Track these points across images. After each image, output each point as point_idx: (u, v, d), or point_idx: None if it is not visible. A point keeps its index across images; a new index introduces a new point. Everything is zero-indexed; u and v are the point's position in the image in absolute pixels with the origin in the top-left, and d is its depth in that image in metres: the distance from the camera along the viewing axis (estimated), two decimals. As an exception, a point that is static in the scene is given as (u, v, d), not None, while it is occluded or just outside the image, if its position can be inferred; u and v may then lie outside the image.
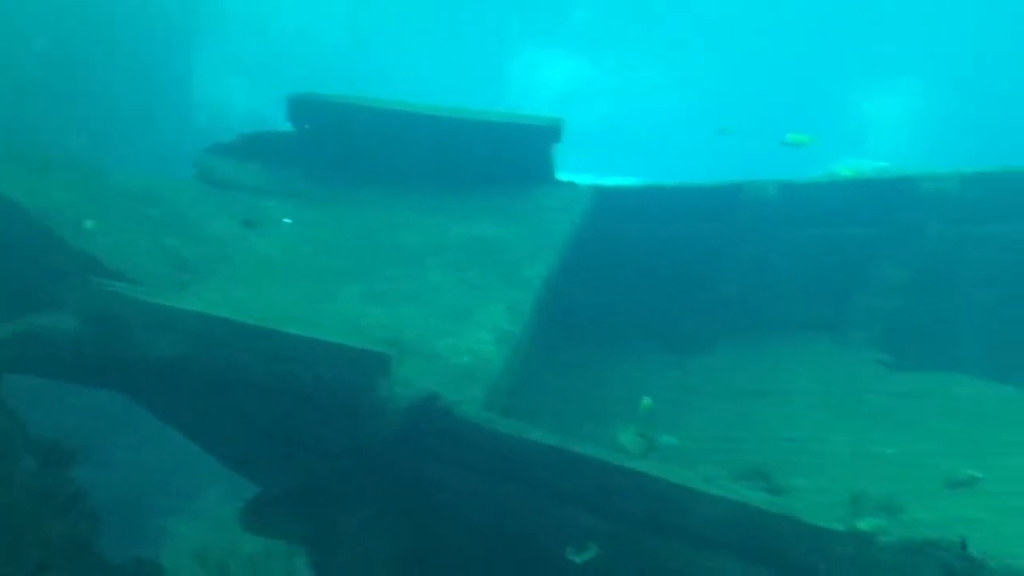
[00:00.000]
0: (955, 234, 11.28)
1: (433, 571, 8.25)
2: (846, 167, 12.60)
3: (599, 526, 7.98)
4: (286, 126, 12.29)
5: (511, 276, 10.20)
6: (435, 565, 8.34)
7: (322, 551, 9.29)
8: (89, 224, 9.09)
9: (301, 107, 12.16)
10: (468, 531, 8.35)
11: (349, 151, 12.13)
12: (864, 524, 6.95)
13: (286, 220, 10.88)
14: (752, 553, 7.31)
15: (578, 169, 12.84)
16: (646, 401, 9.12)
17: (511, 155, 11.99)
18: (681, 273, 11.42)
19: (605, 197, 11.69)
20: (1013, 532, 7.63)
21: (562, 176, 12.16)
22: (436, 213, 11.41)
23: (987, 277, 11.60)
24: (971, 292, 11.36)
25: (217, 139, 12.26)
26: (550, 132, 11.95)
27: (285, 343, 8.43)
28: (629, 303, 11.26)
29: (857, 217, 11.32)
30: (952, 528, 7.13)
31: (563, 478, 8.02)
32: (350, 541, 8.62)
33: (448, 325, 9.44)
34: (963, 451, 8.77)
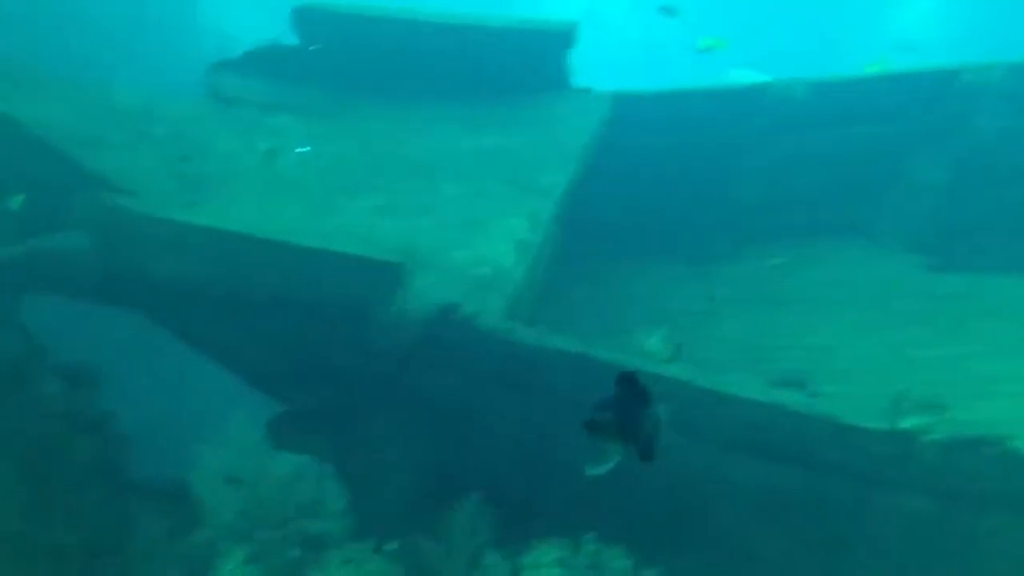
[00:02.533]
0: (997, 128, 10.69)
1: (456, 482, 8.13)
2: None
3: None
4: (293, 40, 11.89)
5: (528, 186, 9.90)
6: (458, 476, 8.22)
7: (349, 466, 9.22)
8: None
9: (306, 19, 11.74)
10: (490, 442, 8.21)
11: (356, 63, 11.76)
12: (907, 423, 6.72)
13: (304, 148, 10.57)
14: (786, 457, 7.12)
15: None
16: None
17: (523, 62, 11.58)
18: (704, 180, 11.03)
19: (624, 103, 11.27)
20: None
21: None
22: (447, 124, 11.06)
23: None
24: (1012, 188, 10.80)
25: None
26: (563, 37, 11.50)
27: (298, 256, 8.28)
28: (651, 212, 10.91)
29: (891, 114, 10.81)
30: (995, 428, 6.90)
31: (587, 386, 7.82)
32: (375, 454, 8.51)
33: (463, 236, 9.20)
34: (1004, 351, 8.45)
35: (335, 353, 8.53)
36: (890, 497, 6.99)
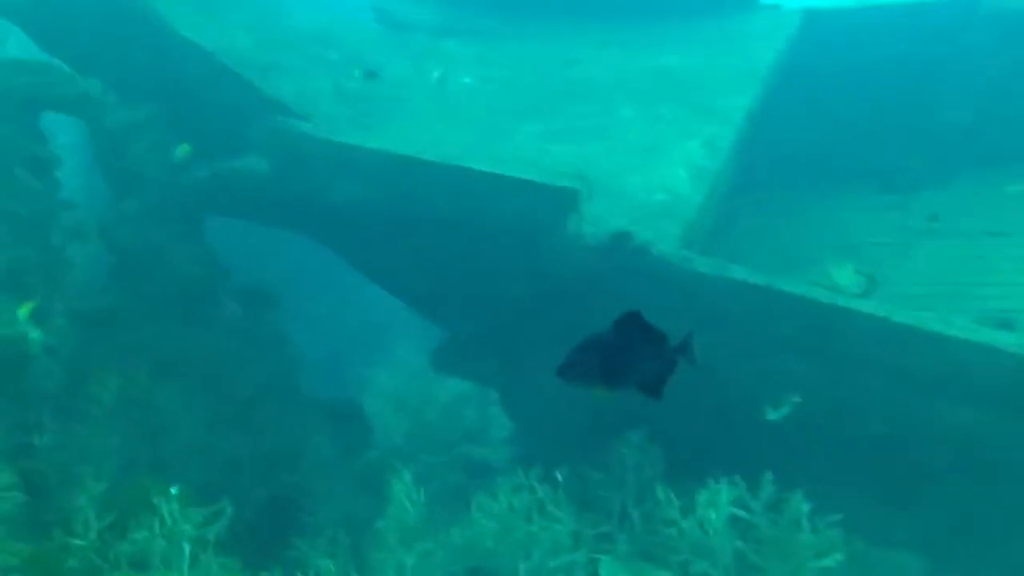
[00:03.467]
0: None
1: (624, 413, 7.88)
2: None
3: (809, 372, 7.33)
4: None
5: (708, 109, 9.34)
6: (626, 408, 7.96)
7: (513, 394, 9.16)
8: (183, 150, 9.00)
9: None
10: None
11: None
12: None
13: (466, 80, 10.40)
14: (1002, 402, 6.45)
15: None
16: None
17: (707, -23, 10.88)
18: (904, 103, 10.07)
19: (816, 20, 10.43)
20: None
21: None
22: (623, 45, 10.58)
23: None
24: None
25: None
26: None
27: (470, 179, 8.13)
28: (842, 137, 10.07)
29: None
30: None
31: (770, 320, 7.36)
32: (540, 383, 8.36)
33: (639, 161, 8.79)
34: None
35: (503, 279, 8.40)
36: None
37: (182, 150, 8.91)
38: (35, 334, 7.53)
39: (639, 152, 8.88)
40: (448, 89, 10.04)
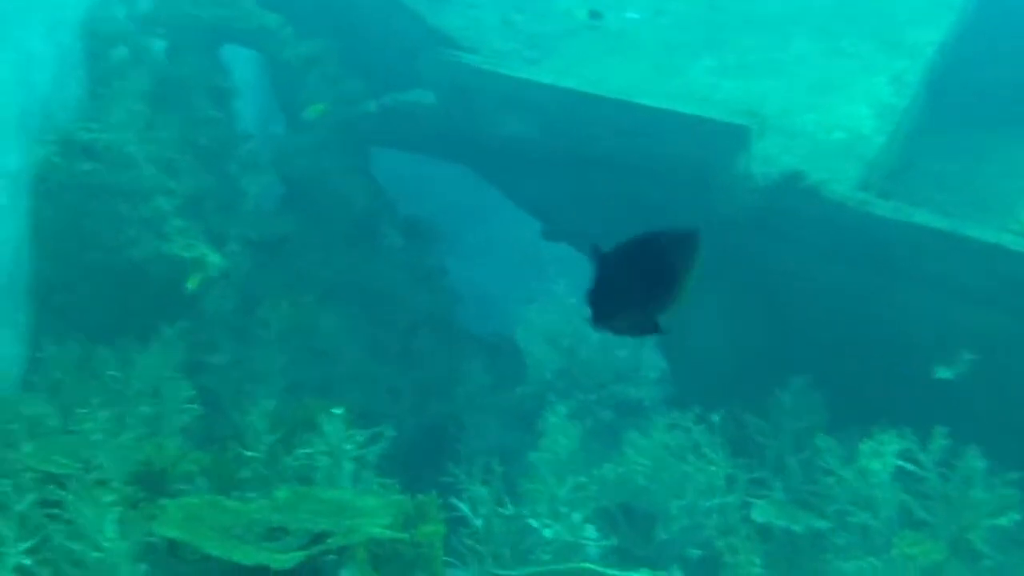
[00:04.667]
0: None
1: (789, 359, 7.60)
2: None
3: (994, 326, 6.82)
4: None
5: (895, 42, 8.73)
6: (791, 353, 7.67)
7: (670, 336, 8.99)
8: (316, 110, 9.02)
9: None
10: (831, 321, 7.54)
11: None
12: None
13: (633, 15, 10.08)
14: None
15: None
16: None
17: None
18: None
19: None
20: None
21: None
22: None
23: None
24: None
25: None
26: None
27: (637, 114, 7.90)
28: (1043, 73, 9.21)
29: None
30: None
31: (954, 267, 6.88)
32: (699, 324, 8.16)
33: (816, 99, 8.31)
34: None
35: (667, 219, 8.18)
36: None
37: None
38: (214, 258, 7.98)
39: (817, 89, 8.42)
40: (606, 25, 9.77)
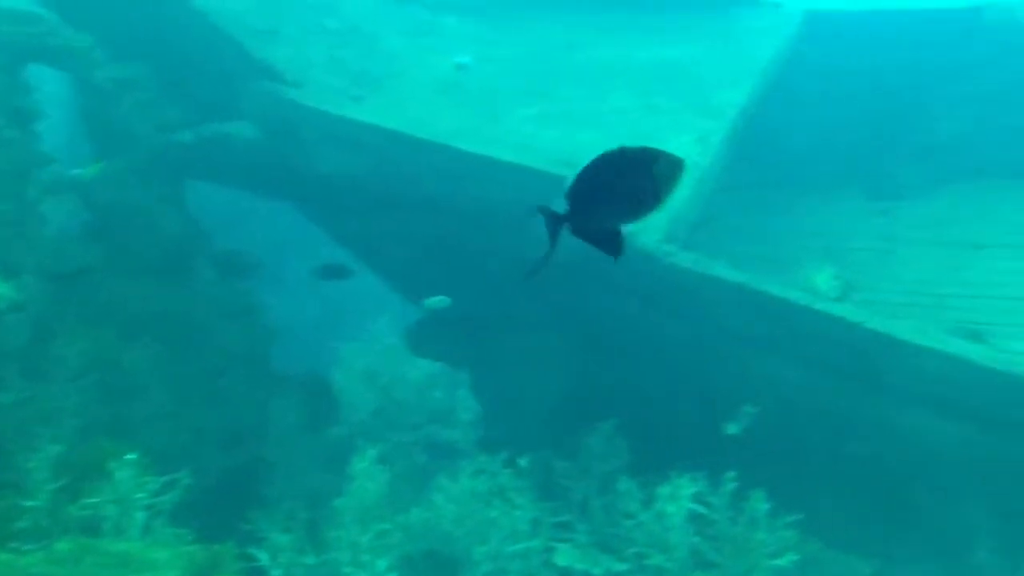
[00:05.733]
0: None
1: (594, 406, 7.84)
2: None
3: (782, 371, 7.29)
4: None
5: (702, 103, 9.23)
6: (596, 400, 7.92)
7: (485, 378, 9.09)
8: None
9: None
10: (637, 366, 7.84)
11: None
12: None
13: (464, 59, 10.26)
14: (964, 413, 6.42)
15: None
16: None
17: (712, -28, 10.75)
18: (899, 109, 9.98)
19: (817, 21, 10.32)
20: None
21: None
22: (622, 32, 10.46)
23: None
24: None
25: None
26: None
27: (458, 159, 8.04)
28: (834, 140, 9.97)
29: None
30: None
31: (747, 318, 7.31)
32: (513, 368, 8.31)
33: (628, 152, 8.69)
34: None
35: (485, 262, 8.32)
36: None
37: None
38: (3, 289, 7.43)
39: (631, 142, 8.75)
40: (432, 68, 9.88)
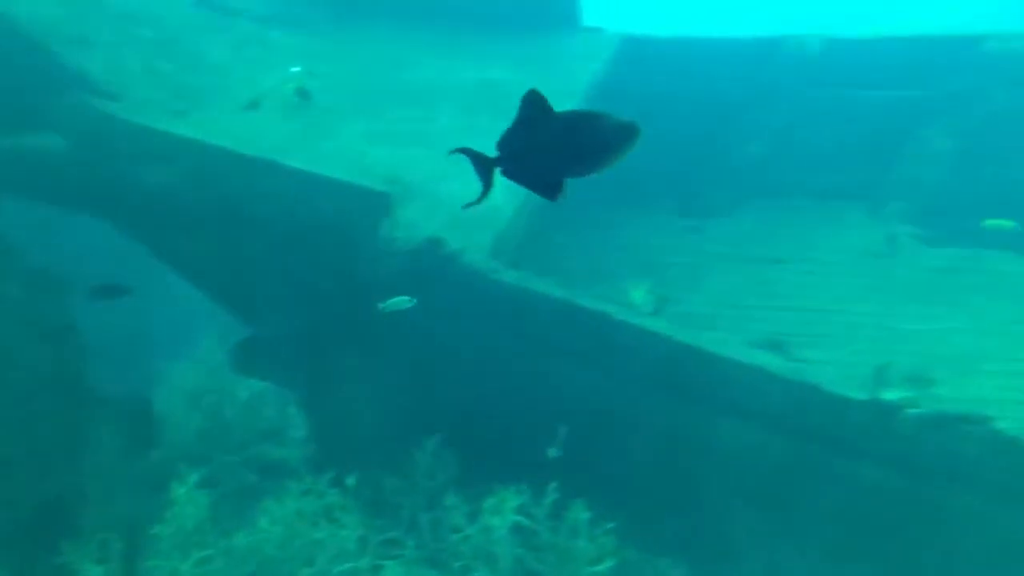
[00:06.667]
0: (1016, 102, 10.21)
1: (422, 422, 7.95)
2: None
3: (601, 384, 7.63)
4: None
5: (526, 123, 9.53)
6: (424, 416, 8.04)
7: (314, 396, 9.03)
8: None
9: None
10: (465, 382, 8.01)
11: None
12: (890, 395, 6.53)
13: (295, 68, 10.17)
14: (765, 421, 6.94)
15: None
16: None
17: (535, -3, 11.14)
18: (708, 132, 10.64)
19: (632, 46, 10.86)
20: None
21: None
22: (448, 54, 10.66)
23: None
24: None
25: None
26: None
27: (285, 176, 7.98)
28: (649, 161, 10.46)
29: (907, 79, 10.34)
30: (978, 407, 6.71)
31: (567, 333, 7.62)
32: (342, 386, 8.31)
33: (455, 170, 8.85)
34: (995, 329, 8.22)
35: (312, 279, 8.29)
36: (862, 467, 6.86)
37: None
38: None
39: (457, 160, 8.92)
40: (259, 83, 9.72)
